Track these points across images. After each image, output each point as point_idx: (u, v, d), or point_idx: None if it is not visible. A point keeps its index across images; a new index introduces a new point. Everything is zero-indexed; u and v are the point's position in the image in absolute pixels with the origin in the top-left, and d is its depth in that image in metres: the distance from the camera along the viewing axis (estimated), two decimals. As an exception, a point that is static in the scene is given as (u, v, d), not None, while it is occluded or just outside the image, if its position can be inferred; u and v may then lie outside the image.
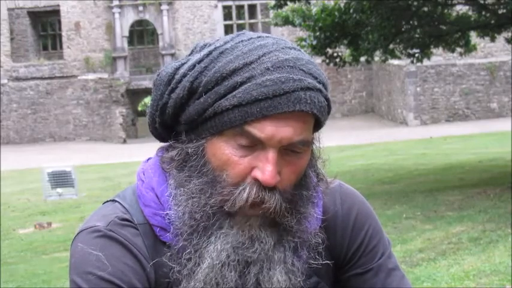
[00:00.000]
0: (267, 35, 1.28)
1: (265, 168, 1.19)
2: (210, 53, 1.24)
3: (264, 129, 1.18)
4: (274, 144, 1.19)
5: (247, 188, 1.20)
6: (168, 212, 1.27)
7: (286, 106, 1.18)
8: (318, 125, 1.26)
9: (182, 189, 1.25)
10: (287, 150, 1.21)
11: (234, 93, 1.19)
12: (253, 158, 1.20)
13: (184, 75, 1.25)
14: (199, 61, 1.24)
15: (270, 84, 1.18)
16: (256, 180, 1.20)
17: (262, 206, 1.20)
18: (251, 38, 1.24)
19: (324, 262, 1.32)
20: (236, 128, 1.19)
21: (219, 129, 1.21)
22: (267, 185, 1.19)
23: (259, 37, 1.25)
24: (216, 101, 1.20)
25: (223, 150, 1.21)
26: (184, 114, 1.25)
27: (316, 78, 1.23)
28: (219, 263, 1.21)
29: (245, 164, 1.20)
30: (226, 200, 1.21)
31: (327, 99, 1.25)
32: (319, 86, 1.23)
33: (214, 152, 1.22)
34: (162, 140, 1.34)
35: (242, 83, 1.19)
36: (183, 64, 1.27)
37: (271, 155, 1.19)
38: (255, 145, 1.20)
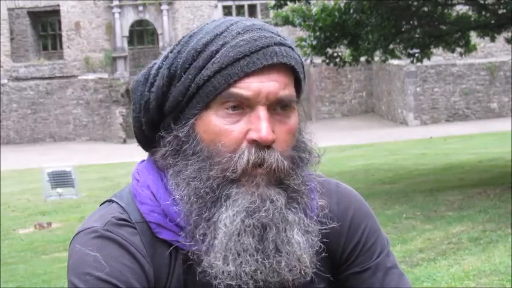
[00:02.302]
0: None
1: (260, 126, 1.20)
2: (180, 41, 1.28)
3: (249, 87, 1.21)
4: (262, 101, 1.21)
5: (246, 151, 1.21)
6: (170, 201, 1.27)
7: (265, 60, 1.22)
8: (298, 86, 1.29)
9: (182, 175, 1.26)
10: (275, 110, 1.23)
11: (212, 61, 1.22)
12: (245, 123, 1.22)
13: (159, 68, 1.28)
14: (171, 51, 1.28)
15: (244, 43, 1.22)
16: (252, 142, 1.21)
17: (264, 166, 1.21)
18: (215, 20, 1.29)
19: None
20: (222, 93, 1.22)
21: (206, 102, 1.23)
22: (264, 142, 1.20)
23: (222, 18, 1.30)
24: (196, 75, 1.23)
25: (214, 123, 1.23)
26: (168, 102, 1.27)
27: (285, 40, 1.27)
28: (235, 231, 1.20)
29: (238, 130, 1.22)
30: (227, 167, 1.21)
31: (302, 61, 1.29)
32: (290, 45, 1.27)
33: (205, 128, 1.24)
34: (149, 147, 1.35)
35: (218, 50, 1.22)
36: (155, 63, 1.31)
37: (262, 112, 1.21)
38: (244, 109, 1.22)
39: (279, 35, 1.27)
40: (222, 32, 1.24)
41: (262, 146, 1.21)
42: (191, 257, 1.25)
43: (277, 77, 1.23)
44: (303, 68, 1.30)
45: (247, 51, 1.21)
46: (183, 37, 1.29)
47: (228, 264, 1.21)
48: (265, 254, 1.21)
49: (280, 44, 1.25)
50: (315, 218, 1.30)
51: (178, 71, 1.25)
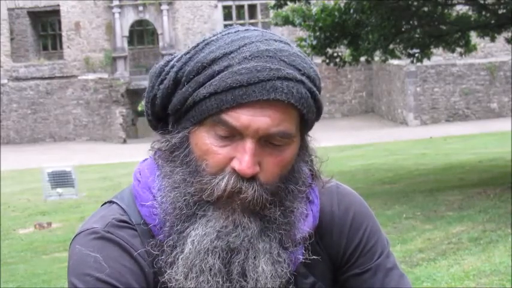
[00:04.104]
0: (256, 28, 1.28)
1: (242, 159, 1.19)
2: (198, 45, 1.26)
3: (239, 118, 1.19)
4: (251, 134, 1.19)
5: (226, 178, 1.20)
6: (153, 202, 1.28)
7: (261, 94, 1.18)
8: (305, 120, 1.25)
9: (167, 180, 1.26)
10: (268, 142, 1.21)
11: (211, 81, 1.20)
12: (232, 149, 1.21)
13: (172, 67, 1.27)
14: (187, 53, 1.26)
15: (245, 72, 1.18)
16: (234, 170, 1.20)
17: (240, 196, 1.20)
18: (238, 31, 1.26)
19: (312, 257, 1.31)
20: (213, 116, 1.20)
21: (199, 119, 1.22)
22: (243, 175, 1.19)
23: (246, 30, 1.26)
24: (195, 90, 1.22)
25: (204, 140, 1.22)
26: (170, 105, 1.27)
27: (299, 70, 1.22)
28: (202, 249, 1.21)
29: (224, 154, 1.21)
30: (205, 188, 1.21)
31: (312, 93, 1.24)
32: (302, 77, 1.22)
33: (196, 141, 1.23)
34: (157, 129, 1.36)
35: (219, 72, 1.20)
36: (174, 57, 1.30)
37: (248, 145, 1.19)
38: (234, 135, 1.20)
39: (293, 65, 1.21)
40: (232, 52, 1.21)
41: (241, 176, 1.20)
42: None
43: (271, 113, 1.19)
44: (316, 102, 1.25)
45: (245, 82, 1.18)
46: (203, 40, 1.26)
47: (189, 280, 1.21)
48: (228, 277, 1.22)
49: (285, 78, 1.19)
50: (290, 249, 1.28)
51: (183, 79, 1.24)
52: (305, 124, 1.26)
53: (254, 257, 1.22)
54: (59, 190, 16.70)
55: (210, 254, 1.21)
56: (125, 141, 33.86)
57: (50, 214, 14.17)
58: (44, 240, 11.17)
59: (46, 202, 16.16)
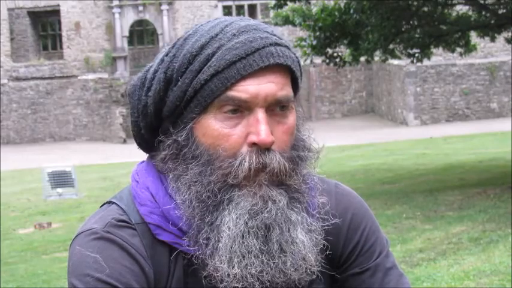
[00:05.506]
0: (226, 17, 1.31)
1: (259, 129, 1.20)
2: (175, 44, 1.28)
3: (247, 90, 1.21)
4: (260, 103, 1.21)
5: (247, 157, 1.21)
6: (171, 205, 1.27)
7: (261, 61, 1.21)
8: (294, 84, 1.28)
9: (182, 179, 1.25)
10: (273, 111, 1.23)
11: (208, 64, 1.22)
12: (244, 126, 1.22)
13: (155, 71, 1.28)
14: (167, 54, 1.27)
15: (240, 45, 1.22)
16: (253, 146, 1.21)
17: (266, 170, 1.21)
18: (210, 21, 1.28)
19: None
20: (220, 97, 1.21)
21: (204, 105, 1.22)
22: (264, 145, 1.20)
23: (217, 18, 1.30)
24: (193, 79, 1.23)
25: (213, 126, 1.22)
26: (166, 107, 1.27)
27: (281, 39, 1.27)
28: (239, 233, 1.21)
29: (238, 134, 1.22)
30: (228, 172, 1.21)
31: (297, 59, 1.29)
32: (286, 44, 1.27)
33: (204, 131, 1.23)
34: (149, 151, 1.35)
35: (214, 53, 1.22)
36: (151, 66, 1.30)
37: (260, 115, 1.21)
38: (243, 112, 1.22)
39: (274, 35, 1.26)
40: (217, 34, 1.23)
41: (262, 149, 1.21)
42: (195, 262, 1.25)
43: (274, 78, 1.23)
44: (300, 66, 1.30)
45: (243, 54, 1.21)
46: (178, 39, 1.28)
47: (233, 267, 1.21)
48: (270, 254, 1.22)
49: (276, 44, 1.24)
50: (317, 215, 1.30)
51: (175, 75, 1.24)
52: (295, 90, 1.29)
53: (289, 230, 1.23)
54: (59, 190, 16.70)
55: (248, 236, 1.21)
56: (124, 141, 33.82)
57: (50, 214, 14.18)
58: (44, 240, 11.18)
59: (46, 202, 16.16)
